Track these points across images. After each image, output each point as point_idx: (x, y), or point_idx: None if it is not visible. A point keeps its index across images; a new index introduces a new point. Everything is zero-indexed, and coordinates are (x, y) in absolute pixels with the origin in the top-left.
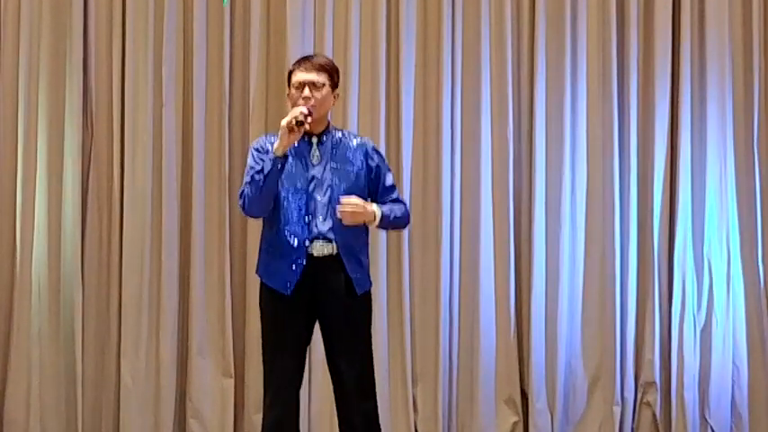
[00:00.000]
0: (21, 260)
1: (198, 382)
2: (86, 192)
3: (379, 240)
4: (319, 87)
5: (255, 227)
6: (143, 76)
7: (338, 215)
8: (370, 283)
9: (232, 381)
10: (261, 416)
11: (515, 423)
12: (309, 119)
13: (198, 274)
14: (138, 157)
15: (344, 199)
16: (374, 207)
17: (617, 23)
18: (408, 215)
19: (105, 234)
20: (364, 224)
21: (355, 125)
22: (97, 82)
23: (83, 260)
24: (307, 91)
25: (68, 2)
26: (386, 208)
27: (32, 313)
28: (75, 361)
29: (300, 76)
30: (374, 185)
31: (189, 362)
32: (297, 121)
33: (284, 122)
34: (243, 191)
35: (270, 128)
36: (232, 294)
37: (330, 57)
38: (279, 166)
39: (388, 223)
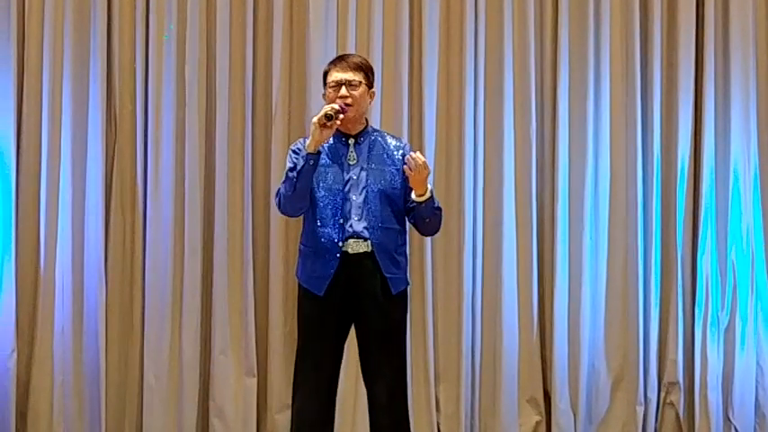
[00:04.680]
0: (45, 260)
1: (221, 382)
2: (110, 192)
3: None
4: (356, 86)
5: (278, 226)
6: (166, 77)
7: (409, 158)
8: (407, 283)
9: (255, 380)
10: (283, 415)
11: (538, 423)
12: (341, 115)
13: (221, 274)
14: (160, 157)
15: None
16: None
17: (640, 21)
18: (441, 220)
19: (129, 234)
20: (401, 224)
21: (378, 124)
22: (120, 83)
23: (106, 260)
24: (343, 90)
25: (92, 3)
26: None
27: (56, 312)
28: (99, 360)
29: (336, 75)
30: (410, 187)
31: (212, 361)
32: (327, 116)
33: (315, 119)
34: (279, 189)
35: (292, 128)
36: (255, 294)
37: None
38: (311, 162)
39: (432, 208)
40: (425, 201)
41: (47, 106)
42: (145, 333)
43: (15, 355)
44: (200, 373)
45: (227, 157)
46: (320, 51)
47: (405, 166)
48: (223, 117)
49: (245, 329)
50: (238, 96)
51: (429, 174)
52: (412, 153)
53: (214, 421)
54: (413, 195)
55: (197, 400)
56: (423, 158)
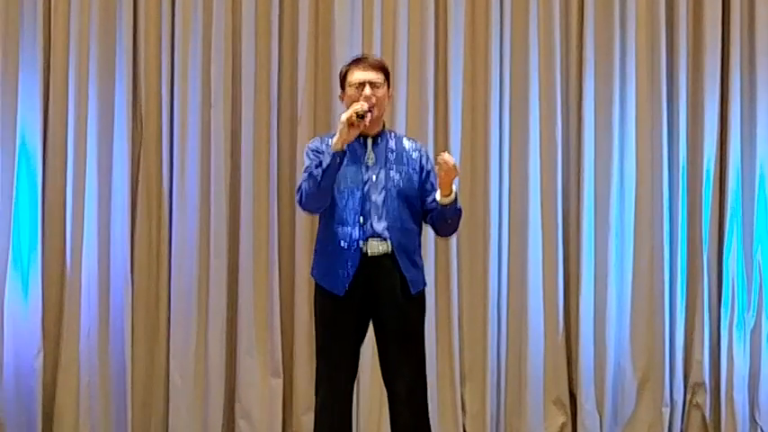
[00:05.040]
0: (71, 261)
1: (246, 382)
2: (136, 193)
3: (427, 240)
4: (379, 86)
5: (304, 227)
6: (191, 78)
7: (441, 160)
8: (425, 284)
9: (281, 381)
10: (309, 416)
11: (563, 424)
12: (369, 114)
13: (246, 275)
14: (186, 158)
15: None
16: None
17: (666, 24)
18: (460, 221)
19: (154, 234)
20: (418, 225)
21: (403, 126)
22: (146, 84)
23: (132, 261)
24: (368, 89)
25: (117, 4)
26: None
27: (82, 313)
28: (125, 360)
29: (359, 75)
30: (428, 189)
31: (237, 362)
32: (358, 115)
33: (344, 117)
34: (300, 186)
35: (318, 129)
36: (280, 294)
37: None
38: (338, 160)
39: (455, 209)
40: (450, 202)
41: (73, 107)
42: (170, 334)
43: (42, 355)
44: (226, 374)
45: (253, 158)
46: (345, 53)
47: (436, 167)
48: (248, 117)
49: (270, 330)
50: (264, 97)
51: (457, 175)
52: (443, 154)
53: (240, 422)
54: (437, 196)
55: (223, 400)
56: (453, 160)
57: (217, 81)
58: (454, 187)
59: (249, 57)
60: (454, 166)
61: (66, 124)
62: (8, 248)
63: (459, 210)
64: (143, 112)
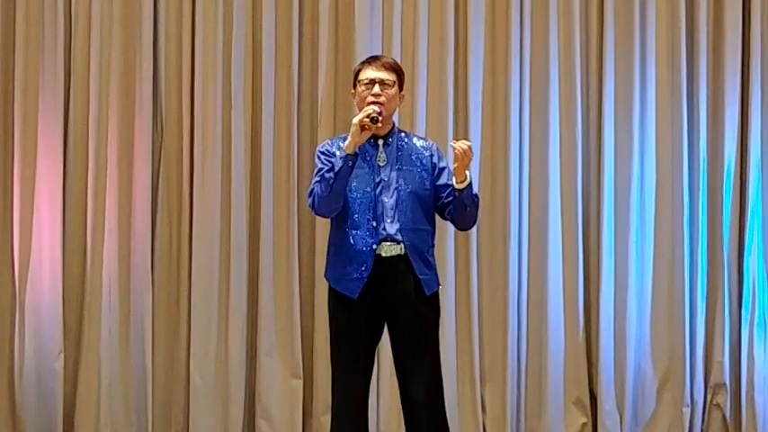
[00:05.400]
0: (91, 261)
1: (267, 383)
2: (156, 193)
3: (447, 239)
4: (389, 86)
5: (324, 227)
6: (212, 79)
7: (456, 145)
8: (439, 284)
9: (301, 381)
10: (329, 417)
11: (584, 424)
12: (381, 117)
13: (267, 275)
14: (207, 158)
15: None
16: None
17: (686, 23)
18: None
19: (175, 235)
20: (431, 225)
21: (423, 126)
22: (167, 85)
23: (153, 261)
24: (377, 88)
25: (138, 5)
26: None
27: (103, 314)
28: (146, 361)
29: (371, 73)
30: (441, 187)
31: (258, 362)
32: (371, 118)
33: (356, 120)
34: (312, 189)
35: (338, 130)
36: (301, 295)
37: (397, 59)
38: (350, 163)
39: (471, 195)
40: (466, 187)
41: (94, 108)
42: (191, 334)
43: (63, 356)
44: (246, 375)
45: (273, 159)
46: (366, 53)
47: (455, 152)
48: (269, 119)
49: (290, 331)
50: (284, 99)
51: (472, 159)
52: (455, 142)
53: (260, 422)
54: (454, 183)
55: (243, 401)
56: (467, 144)
57: (237, 83)
58: (468, 173)
59: (269, 59)
60: (470, 147)
61: (87, 126)
62: (29, 249)
63: (476, 196)
64: (163, 113)
